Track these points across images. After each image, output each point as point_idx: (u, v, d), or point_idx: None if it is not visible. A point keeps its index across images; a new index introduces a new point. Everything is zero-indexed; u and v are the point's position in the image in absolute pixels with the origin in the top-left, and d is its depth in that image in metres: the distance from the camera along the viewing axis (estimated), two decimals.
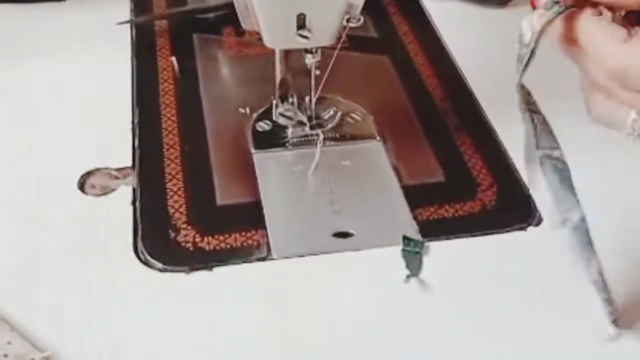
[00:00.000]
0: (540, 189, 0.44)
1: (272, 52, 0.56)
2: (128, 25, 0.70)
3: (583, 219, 0.43)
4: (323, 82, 0.55)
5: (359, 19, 0.51)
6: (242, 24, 0.53)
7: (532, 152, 0.44)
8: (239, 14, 0.53)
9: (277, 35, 0.52)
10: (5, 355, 0.41)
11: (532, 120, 0.45)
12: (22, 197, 0.54)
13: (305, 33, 0.50)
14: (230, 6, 0.53)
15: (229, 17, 0.71)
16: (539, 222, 0.52)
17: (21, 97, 0.63)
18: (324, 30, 0.51)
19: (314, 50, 0.54)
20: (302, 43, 0.51)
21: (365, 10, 0.52)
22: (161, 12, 0.74)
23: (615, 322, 0.44)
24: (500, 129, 0.59)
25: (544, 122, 0.45)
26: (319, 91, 0.56)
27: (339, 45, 0.53)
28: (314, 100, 0.57)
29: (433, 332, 0.46)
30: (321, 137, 0.57)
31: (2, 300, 0.46)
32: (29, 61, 0.66)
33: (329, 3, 0.50)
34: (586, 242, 0.43)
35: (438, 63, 0.67)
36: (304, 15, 0.50)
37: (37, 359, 0.41)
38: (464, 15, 0.73)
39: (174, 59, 0.65)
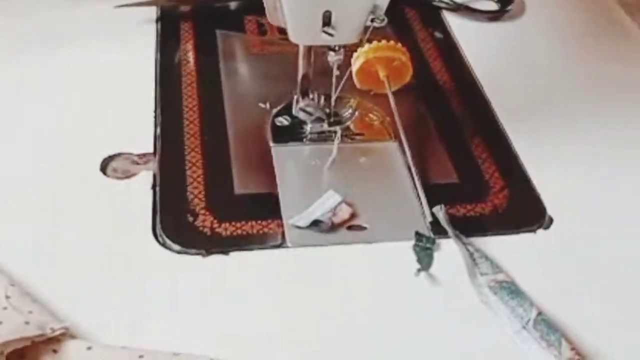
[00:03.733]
0: (493, 306, 0.47)
1: (293, 50, 0.58)
2: (155, 18, 0.72)
3: (539, 313, 0.46)
4: (344, 80, 0.57)
5: (383, 20, 0.53)
6: (269, 19, 0.55)
7: (475, 278, 0.49)
8: (266, 10, 0.55)
9: (302, 31, 0.53)
10: (27, 323, 0.42)
11: (468, 250, 0.50)
12: (46, 177, 0.55)
13: (330, 30, 0.52)
14: None
15: (249, 7, 0.73)
16: (548, 225, 0.53)
17: (49, 82, 0.64)
18: (349, 29, 0.52)
19: (337, 48, 0.55)
20: (326, 40, 0.52)
21: (386, 15, 0.53)
22: None
23: None
24: (513, 136, 0.61)
25: (478, 250, 0.50)
26: (339, 89, 0.57)
27: (363, 44, 0.55)
28: (333, 98, 0.58)
29: (439, 324, 0.47)
30: (339, 133, 0.58)
31: (26, 274, 0.48)
32: (58, 48, 0.67)
33: (355, 2, 0.51)
34: (548, 331, 0.45)
35: (455, 70, 0.68)
36: (330, 12, 0.51)
37: (57, 328, 0.43)
38: (480, 26, 0.75)
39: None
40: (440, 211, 0.53)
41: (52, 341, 0.42)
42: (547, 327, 0.45)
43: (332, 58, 0.55)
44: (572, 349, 0.44)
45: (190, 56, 0.69)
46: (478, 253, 0.50)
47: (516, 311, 0.46)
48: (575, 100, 0.64)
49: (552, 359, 0.44)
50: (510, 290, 0.47)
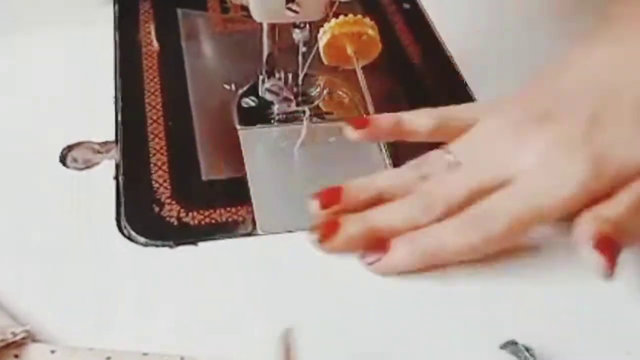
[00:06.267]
0: None
1: (258, 28, 0.55)
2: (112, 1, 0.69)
3: None
4: (310, 58, 0.55)
5: None
6: None
7: None
8: None
9: (265, 8, 0.51)
10: None
11: None
12: (3, 170, 0.53)
13: (294, 7, 0.50)
14: None
15: None
16: None
17: (3, 70, 0.61)
18: (314, 5, 0.50)
19: (302, 25, 0.53)
20: (291, 17, 0.50)
21: None
22: None
23: None
24: None
25: None
26: (306, 67, 0.55)
27: (328, 20, 0.53)
28: (301, 77, 0.56)
29: (416, 304, 0.45)
30: (307, 113, 0.56)
31: None
32: (11, 32, 0.64)
33: None
34: None
35: (425, 43, 0.67)
36: None
37: (18, 332, 0.40)
38: None
39: None
40: None
41: (13, 346, 0.40)
42: None
43: (298, 36, 0.53)
44: None
45: (151, 37, 0.66)
46: None
47: None
48: (549, 60, 0.63)
49: None
50: None
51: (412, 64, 0.65)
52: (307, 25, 0.53)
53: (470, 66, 0.64)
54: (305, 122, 0.56)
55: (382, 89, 0.61)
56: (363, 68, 0.59)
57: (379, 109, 0.57)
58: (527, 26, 0.69)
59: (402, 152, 0.55)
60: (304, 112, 0.57)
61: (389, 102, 0.60)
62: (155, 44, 0.65)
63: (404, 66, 0.64)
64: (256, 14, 0.51)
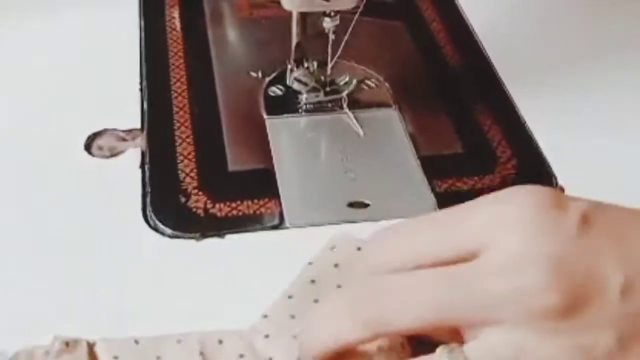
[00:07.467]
0: None
1: (284, 14, 0.54)
2: None
3: None
4: (342, 47, 0.54)
5: None
6: None
7: None
8: None
9: None
10: None
11: None
12: (25, 157, 0.52)
13: None
14: None
15: None
16: None
17: (28, 54, 0.61)
18: None
19: (332, 13, 0.52)
20: (322, 5, 0.49)
21: None
22: None
23: None
24: (519, 101, 0.58)
25: None
26: (336, 56, 0.54)
27: (360, 9, 0.51)
28: (330, 66, 0.55)
29: None
30: (346, 100, 0.55)
31: (4, 262, 0.45)
32: (34, 17, 0.64)
33: None
34: None
35: (455, 30, 0.65)
36: None
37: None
38: None
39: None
40: None
41: None
42: None
43: (328, 24, 0.52)
44: None
45: (176, 22, 0.65)
46: None
47: None
48: (585, 56, 0.61)
49: None
50: None
51: (442, 53, 0.63)
52: (337, 14, 0.52)
53: (500, 52, 0.62)
54: (349, 114, 0.55)
55: (410, 76, 0.60)
56: (392, 57, 0.58)
57: (407, 98, 0.56)
58: (566, 12, 0.67)
59: (431, 144, 0.54)
60: (342, 99, 0.56)
61: (416, 91, 0.59)
62: (180, 29, 0.64)
63: (432, 54, 0.63)
64: (286, 2, 0.50)
